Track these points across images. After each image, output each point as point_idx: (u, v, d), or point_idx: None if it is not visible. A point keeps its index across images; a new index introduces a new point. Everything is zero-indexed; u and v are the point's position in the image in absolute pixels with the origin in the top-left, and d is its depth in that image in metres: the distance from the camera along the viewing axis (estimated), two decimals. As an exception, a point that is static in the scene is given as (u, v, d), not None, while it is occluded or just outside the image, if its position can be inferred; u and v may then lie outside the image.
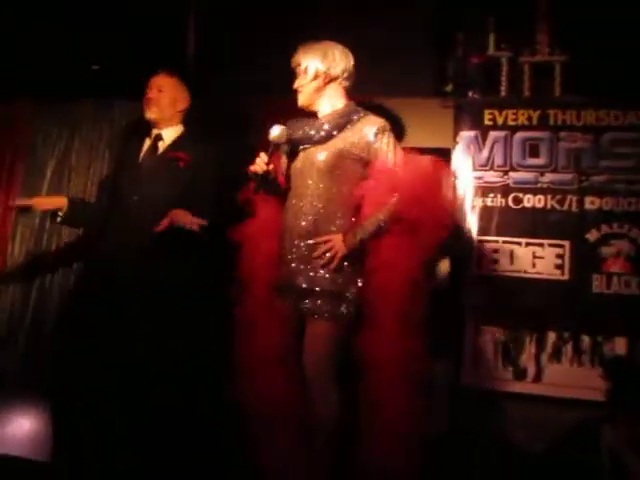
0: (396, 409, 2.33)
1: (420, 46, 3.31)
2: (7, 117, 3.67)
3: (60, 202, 3.00)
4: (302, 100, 2.61)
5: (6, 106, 3.68)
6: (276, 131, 2.52)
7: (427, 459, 2.38)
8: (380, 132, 2.51)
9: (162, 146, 2.96)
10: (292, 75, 2.65)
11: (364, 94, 3.21)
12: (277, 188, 2.62)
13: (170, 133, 2.97)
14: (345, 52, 2.62)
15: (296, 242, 2.51)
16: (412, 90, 3.25)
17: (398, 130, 3.21)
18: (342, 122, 2.54)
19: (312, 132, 2.56)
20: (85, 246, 3.16)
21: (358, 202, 2.49)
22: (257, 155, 2.52)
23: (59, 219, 2.99)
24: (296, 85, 2.61)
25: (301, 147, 2.60)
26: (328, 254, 2.43)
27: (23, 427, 3.18)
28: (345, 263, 2.45)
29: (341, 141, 2.52)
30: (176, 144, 2.95)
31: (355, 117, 2.55)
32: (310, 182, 2.53)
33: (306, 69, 2.57)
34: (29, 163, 3.61)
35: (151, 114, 2.93)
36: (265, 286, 2.56)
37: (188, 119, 3.02)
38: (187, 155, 2.89)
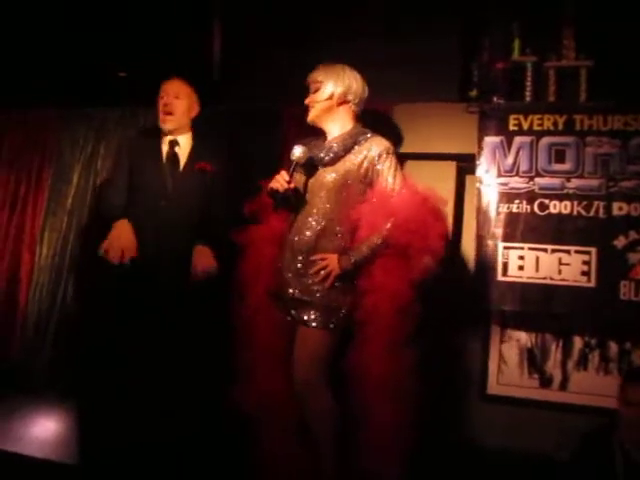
0: (382, 422, 2.39)
1: (445, 52, 3.29)
2: (36, 124, 3.74)
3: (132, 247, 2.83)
4: (312, 116, 2.71)
5: (35, 113, 3.76)
6: (298, 151, 2.61)
7: (450, 468, 2.37)
8: (384, 154, 2.60)
9: (181, 152, 3.00)
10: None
11: (389, 100, 3.26)
12: (294, 205, 2.69)
13: (184, 140, 3.02)
14: (360, 80, 2.73)
15: (295, 255, 2.60)
16: (437, 96, 3.24)
17: (422, 136, 3.23)
18: (349, 143, 2.64)
19: (321, 154, 2.66)
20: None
21: (355, 224, 2.58)
22: (277, 173, 2.60)
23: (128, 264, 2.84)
24: (308, 100, 2.72)
25: (312, 168, 2.68)
26: (323, 272, 2.52)
27: (49, 429, 3.22)
28: (337, 280, 2.53)
29: (348, 162, 2.62)
30: (196, 152, 3.01)
31: (362, 139, 2.65)
32: (317, 201, 2.63)
33: (322, 87, 2.67)
34: (57, 168, 3.68)
35: (170, 125, 2.96)
36: (264, 290, 2.65)
37: (206, 125, 3.07)
38: (210, 165, 2.95)
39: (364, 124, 2.78)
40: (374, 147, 2.61)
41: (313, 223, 2.60)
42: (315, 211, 2.61)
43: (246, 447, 2.56)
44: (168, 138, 3.00)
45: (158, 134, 3.03)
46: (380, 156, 2.59)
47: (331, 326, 2.50)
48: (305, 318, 2.51)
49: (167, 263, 2.82)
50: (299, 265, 2.57)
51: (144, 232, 2.85)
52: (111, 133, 3.61)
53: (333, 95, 2.66)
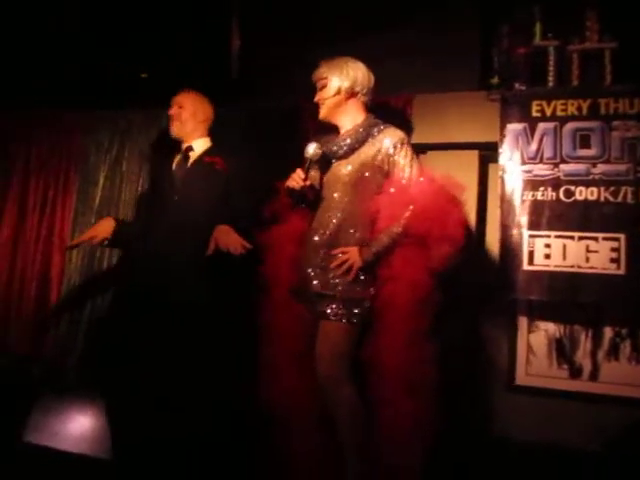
0: (402, 414, 2.37)
1: (464, 39, 3.26)
2: (61, 127, 3.82)
3: (106, 231, 3.01)
4: (323, 113, 2.72)
5: (60, 116, 3.84)
6: (312, 148, 2.63)
7: (476, 460, 2.35)
8: (399, 144, 2.59)
9: (193, 155, 3.05)
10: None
11: (408, 91, 3.24)
12: (311, 202, 2.70)
13: (199, 144, 3.06)
14: (365, 69, 2.73)
15: (316, 250, 2.60)
16: (457, 84, 3.20)
17: (443, 126, 3.20)
18: (363, 135, 2.64)
19: (335, 148, 2.67)
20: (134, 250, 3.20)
21: (374, 216, 2.57)
22: (293, 171, 2.62)
23: (105, 243, 3.07)
24: (317, 98, 2.73)
25: (328, 162, 2.68)
26: (344, 265, 2.52)
27: (83, 425, 3.29)
28: (360, 272, 2.52)
29: (363, 154, 2.62)
30: (208, 151, 3.04)
31: (375, 130, 2.64)
32: (335, 195, 2.63)
33: (328, 84, 2.67)
34: (83, 171, 3.76)
35: (173, 131, 3.06)
36: (286, 288, 2.65)
37: (224, 125, 3.10)
38: (222, 160, 2.97)
39: (383, 116, 2.76)
40: (388, 138, 2.60)
41: (332, 217, 2.60)
42: (333, 205, 2.61)
43: (263, 444, 2.57)
44: (184, 146, 3.07)
45: (177, 144, 3.11)
46: (395, 147, 2.58)
47: (354, 320, 2.49)
48: (328, 312, 2.51)
49: (180, 259, 2.82)
50: (321, 260, 2.58)
51: (158, 226, 2.89)
52: (135, 135, 3.66)
53: (340, 90, 2.66)
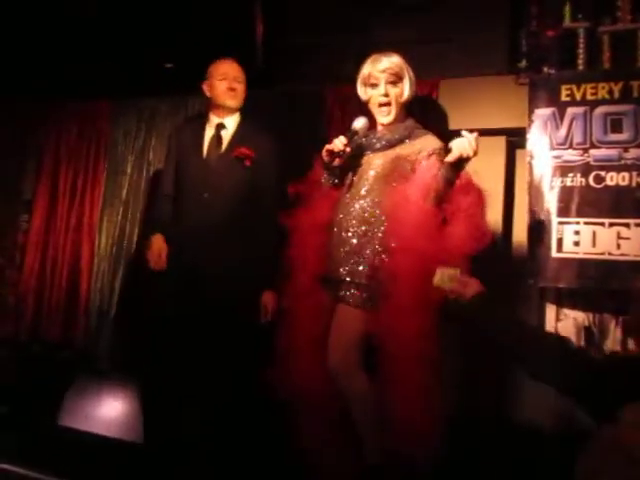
0: (411, 398, 2.35)
1: (492, 22, 3.18)
2: (89, 116, 3.86)
3: (164, 250, 2.97)
4: (392, 116, 2.65)
5: (90, 105, 3.88)
6: (361, 122, 2.62)
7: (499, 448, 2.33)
8: (434, 154, 2.54)
9: (226, 136, 3.00)
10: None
11: (435, 76, 3.19)
12: (340, 181, 2.69)
13: (231, 121, 3.02)
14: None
15: (343, 235, 2.58)
16: (484, 68, 3.15)
17: (470, 111, 3.15)
18: (403, 135, 2.63)
19: (374, 140, 2.66)
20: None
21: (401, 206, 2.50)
22: (330, 142, 2.58)
23: None
24: (392, 97, 2.63)
25: (361, 152, 2.67)
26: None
27: (114, 409, 3.35)
28: (385, 259, 2.48)
29: (398, 151, 2.60)
30: (239, 134, 3.01)
31: (415, 134, 2.63)
32: (365, 184, 2.61)
33: (404, 85, 2.64)
34: (111, 160, 3.80)
35: (234, 101, 2.99)
36: (310, 275, 2.63)
37: (251, 110, 3.08)
38: (251, 151, 2.94)
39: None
40: (427, 144, 2.58)
41: (361, 204, 2.59)
42: (363, 194, 2.60)
43: (282, 434, 2.59)
44: (215, 121, 3.01)
45: (204, 120, 3.05)
46: (430, 155, 2.55)
47: (374, 304, 2.46)
48: (348, 296, 2.51)
49: (212, 256, 2.84)
50: (347, 247, 2.57)
51: (190, 224, 2.90)
52: (161, 124, 3.70)
53: (410, 95, 2.66)
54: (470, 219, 2.42)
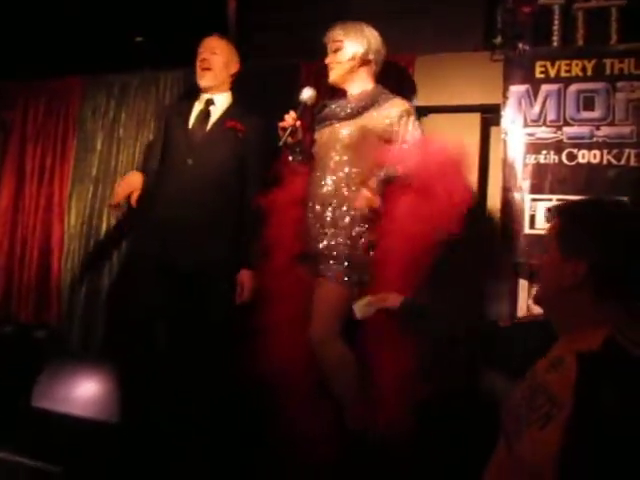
0: (391, 372, 2.40)
1: (466, -2, 3.17)
2: (57, 93, 3.75)
3: (140, 183, 2.95)
4: (334, 77, 2.70)
5: (58, 81, 3.77)
6: (307, 92, 2.63)
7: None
8: (404, 115, 2.58)
9: (215, 111, 2.94)
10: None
11: (410, 52, 3.16)
12: (306, 156, 2.70)
13: (221, 99, 2.96)
14: (380, 39, 2.71)
15: (317, 208, 2.60)
16: (459, 44, 3.14)
17: (445, 88, 3.14)
18: (368, 102, 2.63)
19: (338, 109, 2.66)
20: (137, 211, 3.10)
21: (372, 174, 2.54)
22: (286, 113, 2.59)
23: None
24: (329, 61, 2.69)
25: (327, 123, 2.68)
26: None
27: (89, 390, 3.33)
28: (362, 229, 2.51)
29: (366, 119, 2.60)
30: (229, 112, 2.94)
31: (381, 99, 2.63)
32: (333, 154, 2.61)
33: (344, 48, 2.64)
34: (80, 137, 3.70)
35: (207, 81, 2.91)
36: (288, 254, 2.64)
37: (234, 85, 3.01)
38: (242, 125, 2.89)
39: (385, 77, 2.74)
40: (395, 108, 2.59)
41: (331, 175, 2.60)
42: (332, 164, 2.61)
43: (266, 414, 2.60)
44: (205, 97, 2.95)
45: (196, 94, 2.99)
46: (401, 117, 2.57)
47: (353, 278, 2.50)
48: (327, 270, 2.52)
49: (193, 223, 2.77)
50: (322, 219, 2.58)
51: (170, 191, 2.83)
52: (131, 99, 3.59)
53: (355, 56, 2.64)
54: (449, 180, 2.44)
